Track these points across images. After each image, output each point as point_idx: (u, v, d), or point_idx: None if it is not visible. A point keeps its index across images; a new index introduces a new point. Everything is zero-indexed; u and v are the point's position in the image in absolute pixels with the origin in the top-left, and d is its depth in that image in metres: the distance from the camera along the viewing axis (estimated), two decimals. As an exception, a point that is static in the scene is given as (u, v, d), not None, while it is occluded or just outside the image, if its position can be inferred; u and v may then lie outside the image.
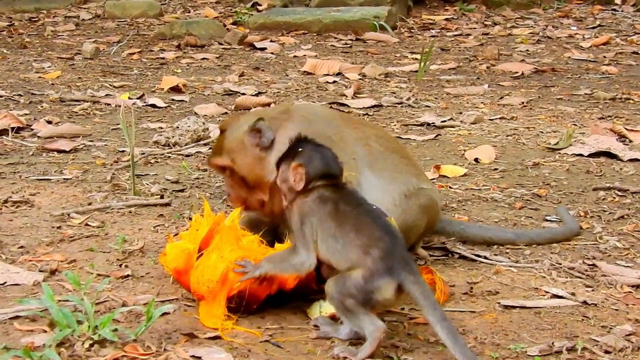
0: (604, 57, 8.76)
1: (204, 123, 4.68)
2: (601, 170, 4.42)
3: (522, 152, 4.82)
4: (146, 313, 2.25)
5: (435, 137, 5.12)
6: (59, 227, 3.18)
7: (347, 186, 2.58)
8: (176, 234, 3.15)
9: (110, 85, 6.39)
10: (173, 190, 3.75)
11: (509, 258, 3.12)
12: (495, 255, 3.13)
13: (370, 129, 3.19)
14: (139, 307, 2.40)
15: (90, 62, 7.52)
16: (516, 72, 7.71)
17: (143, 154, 4.33)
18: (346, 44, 9.12)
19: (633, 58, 8.76)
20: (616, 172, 4.42)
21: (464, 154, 4.69)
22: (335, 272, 2.42)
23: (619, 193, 4.02)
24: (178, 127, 4.62)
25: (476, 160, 4.56)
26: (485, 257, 3.09)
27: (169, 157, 4.38)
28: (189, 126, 4.62)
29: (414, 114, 5.84)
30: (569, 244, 3.30)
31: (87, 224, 3.23)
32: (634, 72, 7.97)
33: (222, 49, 8.52)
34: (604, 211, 3.74)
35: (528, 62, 8.28)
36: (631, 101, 6.54)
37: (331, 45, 9.00)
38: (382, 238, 2.40)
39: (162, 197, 3.62)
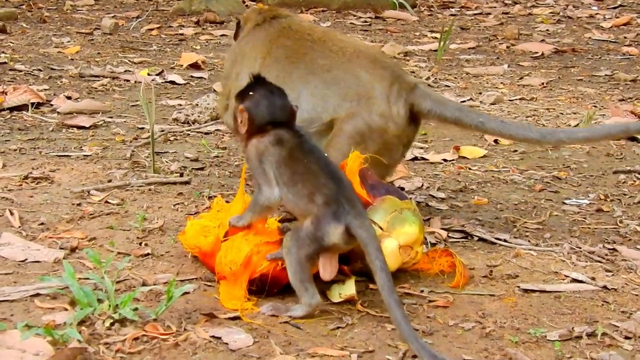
0: (625, 37, 8.69)
1: (223, 101, 4.65)
2: (621, 153, 4.38)
3: (542, 133, 4.78)
4: (166, 293, 2.24)
5: (455, 117, 5.08)
6: (78, 204, 3.18)
7: (301, 131, 2.59)
8: (196, 213, 3.15)
9: (130, 61, 6.38)
10: (193, 169, 3.74)
11: (529, 241, 3.10)
12: (515, 238, 3.11)
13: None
14: (159, 286, 2.39)
15: (110, 37, 7.50)
16: (536, 52, 7.65)
17: (162, 131, 4.32)
18: (365, 21, 9.07)
19: (655, 39, 8.68)
20: (637, 155, 4.38)
21: (483, 135, 4.65)
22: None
23: (640, 176, 3.99)
24: (197, 105, 4.61)
25: (495, 141, 4.53)
26: (505, 240, 3.07)
27: (189, 134, 4.37)
28: (208, 104, 4.60)
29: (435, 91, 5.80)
30: (589, 228, 3.28)
31: (107, 202, 3.23)
32: (656, 53, 7.90)
33: (241, 25, 8.49)
34: (624, 194, 3.71)
35: (548, 42, 8.22)
36: (653, 83, 6.49)
37: (350, 23, 8.95)
38: (327, 184, 2.44)
39: (181, 175, 3.61)
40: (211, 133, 4.43)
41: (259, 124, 2.58)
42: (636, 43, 8.45)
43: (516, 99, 5.70)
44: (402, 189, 3.61)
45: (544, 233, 3.19)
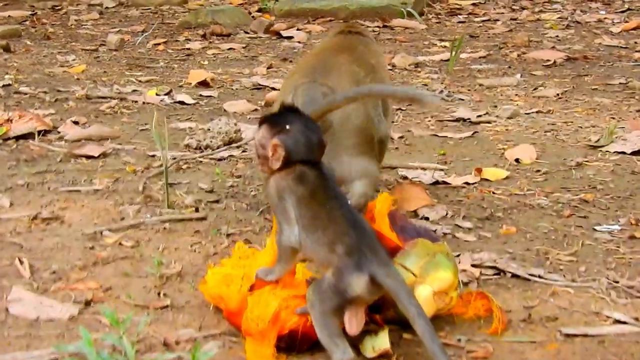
0: (635, 43, 8.52)
1: (235, 124, 4.50)
2: (645, 170, 4.22)
3: (563, 150, 4.61)
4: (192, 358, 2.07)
5: (473, 134, 4.92)
6: (91, 248, 3.02)
7: (325, 169, 2.43)
8: (215, 254, 2.99)
9: (137, 79, 6.21)
10: (208, 201, 3.58)
11: (564, 276, 2.93)
12: (549, 272, 2.94)
13: None
14: (182, 353, 2.22)
15: (115, 53, 7.34)
16: (548, 60, 7.48)
17: (174, 159, 4.15)
18: (374, 31, 8.90)
19: (666, 43, 8.51)
20: (661, 172, 4.22)
21: (503, 154, 4.49)
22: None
23: (670, 198, 3.82)
24: (209, 130, 4.45)
25: (517, 160, 4.37)
26: (540, 276, 2.90)
27: (201, 161, 4.21)
28: (220, 128, 4.44)
29: (448, 109, 5.64)
30: (624, 258, 3.11)
31: (120, 243, 3.06)
32: (669, 58, 7.73)
33: (248, 38, 8.33)
34: (656, 219, 3.54)
35: (559, 49, 8.05)
36: (669, 91, 6.32)
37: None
38: (348, 233, 2.28)
39: (197, 210, 3.44)
40: (225, 159, 4.27)
41: (294, 160, 2.41)
42: (648, 48, 8.28)
43: (533, 112, 5.53)
44: (427, 219, 3.45)
45: (578, 266, 3.02)
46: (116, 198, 3.57)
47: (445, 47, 8.14)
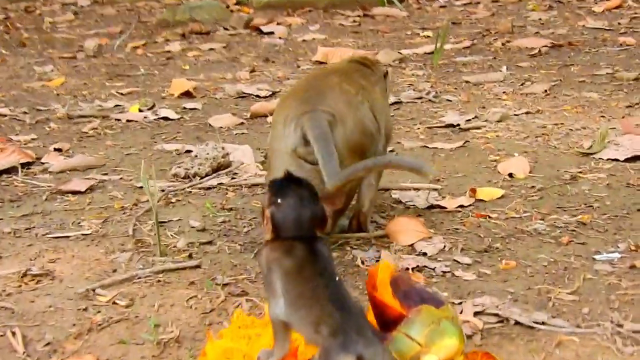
0: (619, 24, 8.48)
1: (222, 148, 4.42)
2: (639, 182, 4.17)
3: (556, 159, 4.56)
4: None
5: (464, 144, 4.86)
6: (84, 309, 2.94)
7: (319, 244, 2.37)
8: (212, 310, 2.93)
9: (118, 92, 6.11)
10: (200, 243, 3.51)
11: (567, 320, 2.88)
12: (553, 317, 2.89)
13: None
14: None
15: (94, 61, 7.23)
16: (533, 49, 7.42)
17: (163, 191, 4.08)
18: (354, 21, 8.82)
19: (648, 23, 8.46)
20: (657, 183, 4.17)
21: (496, 167, 4.44)
22: None
23: (668, 215, 3.77)
24: (197, 156, 4.37)
25: (510, 175, 4.31)
26: (544, 322, 2.85)
27: (190, 192, 4.13)
28: (207, 153, 4.36)
29: (435, 112, 5.58)
30: (627, 294, 3.06)
31: (114, 302, 2.99)
32: (653, 41, 7.69)
33: (228, 35, 8.23)
34: (656, 242, 3.50)
35: (543, 35, 8.00)
36: (656, 80, 6.28)
37: (339, 24, 8.71)
38: (332, 314, 2.22)
39: (190, 256, 3.37)
40: (214, 188, 4.19)
41: (282, 232, 2.37)
42: (631, 30, 8.23)
43: (522, 114, 5.47)
44: (425, 254, 3.40)
45: (581, 306, 2.97)
46: (106, 245, 3.49)
47: (428, 37, 8.08)
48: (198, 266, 3.28)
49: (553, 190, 4.10)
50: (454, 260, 3.35)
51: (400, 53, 7.30)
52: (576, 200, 3.97)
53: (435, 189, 4.14)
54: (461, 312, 2.87)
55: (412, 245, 3.47)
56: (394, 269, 2.48)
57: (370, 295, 2.49)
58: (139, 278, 3.17)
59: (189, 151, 4.70)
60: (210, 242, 3.53)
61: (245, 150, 4.58)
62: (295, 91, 3.43)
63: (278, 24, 8.52)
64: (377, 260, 3.33)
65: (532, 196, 4.03)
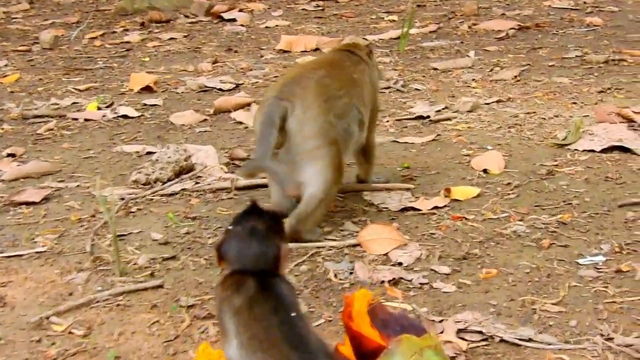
0: (585, 3, 8.32)
1: (185, 150, 4.17)
2: (620, 176, 3.98)
3: (530, 151, 4.37)
4: None
5: (435, 137, 4.65)
6: (38, 341, 2.71)
7: (277, 283, 2.15)
8: (176, 337, 2.70)
9: (75, 89, 5.83)
10: (163, 259, 3.28)
11: (555, 336, 2.69)
12: (539, 333, 2.70)
13: None
14: None
15: (50, 54, 6.94)
16: (500, 32, 7.24)
17: (122, 199, 3.84)
18: (318, 6, 8.58)
19: (614, 2, 8.31)
20: (636, 175, 3.99)
21: (469, 162, 4.24)
22: None
23: (649, 210, 3.59)
24: (157, 160, 4.12)
25: (485, 171, 4.11)
26: (530, 339, 2.66)
27: (152, 200, 3.89)
28: (169, 157, 4.12)
29: (404, 103, 5.37)
30: (615, 302, 2.88)
31: (70, 332, 2.76)
32: (619, 21, 7.55)
33: (189, 23, 7.95)
34: (639, 242, 3.31)
35: (509, 17, 7.81)
36: (625, 63, 6.14)
37: (302, 9, 8.46)
38: (289, 356, 2.01)
39: (152, 274, 3.14)
40: (177, 194, 3.95)
41: (227, 265, 2.18)
42: (597, 9, 8.08)
43: (493, 102, 5.28)
44: (400, 264, 3.19)
45: (568, 318, 2.78)
46: (62, 264, 3.25)
47: (393, 21, 7.86)
48: (160, 286, 3.05)
49: (530, 186, 3.91)
50: (432, 270, 3.14)
51: (366, 39, 7.07)
52: (554, 197, 3.78)
53: (409, 189, 3.94)
54: (442, 332, 2.67)
55: (386, 254, 3.26)
56: (371, 297, 2.27)
57: (347, 325, 2.28)
58: (97, 302, 2.94)
59: (150, 153, 4.46)
60: (173, 257, 3.30)
61: (209, 151, 4.34)
62: (278, 80, 3.67)
63: (240, 10, 8.25)
64: (351, 273, 3.12)
65: (509, 194, 3.84)
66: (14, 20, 8.30)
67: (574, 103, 5.23)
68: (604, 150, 4.33)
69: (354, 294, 2.28)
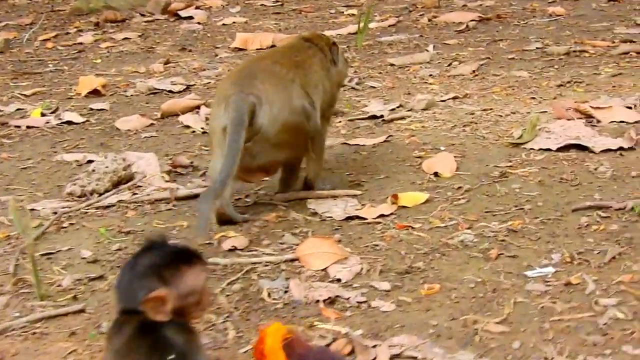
0: (548, -9, 8.11)
1: (124, 159, 3.96)
2: (576, 177, 3.80)
3: (484, 151, 4.19)
4: None
5: (387, 138, 4.45)
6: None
7: (161, 327, 1.95)
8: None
9: (21, 94, 5.60)
10: (90, 279, 3.07)
11: None
12: (480, 358, 2.51)
13: None
14: None
15: (0, 57, 6.68)
16: (460, 24, 7.04)
17: (55, 213, 3.63)
18: (277, 1, 8.36)
19: (576, -10, 8.11)
20: (592, 176, 3.81)
21: (420, 165, 4.04)
22: None
23: (602, 214, 3.41)
24: (94, 171, 3.91)
25: (436, 174, 3.92)
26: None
27: (86, 213, 3.68)
28: (106, 167, 3.91)
29: (359, 101, 5.18)
30: (562, 320, 2.69)
31: (-20, 366, 2.55)
32: (582, 10, 7.37)
33: (145, 22, 7.72)
34: (591, 250, 3.13)
35: (471, 8, 7.63)
36: (586, 54, 5.95)
37: (261, 5, 8.24)
38: None
39: (75, 297, 2.93)
40: (113, 207, 3.74)
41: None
42: (560, -2, 7.88)
43: (449, 99, 5.09)
44: (339, 280, 2.99)
45: (511, 340, 2.59)
46: (-17, 287, 3.04)
47: (352, 15, 7.66)
48: (82, 310, 2.85)
49: (481, 190, 3.73)
50: (371, 286, 2.95)
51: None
52: (506, 201, 3.60)
53: (355, 195, 3.74)
54: (375, 359, 2.47)
55: (325, 269, 3.07)
56: (286, 331, 2.07)
57: (258, 364, 2.09)
58: (13, 330, 2.74)
59: (91, 161, 4.24)
60: (100, 277, 3.10)
61: (150, 159, 4.13)
62: (232, 73, 3.67)
63: (197, 7, 8.01)
64: (286, 292, 2.93)
65: (459, 199, 3.65)
66: (-34, 22, 8.06)
67: (533, 98, 5.05)
68: (560, 149, 4.16)
69: (266, 328, 2.09)
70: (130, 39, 7.09)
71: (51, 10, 8.30)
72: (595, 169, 3.89)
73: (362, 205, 3.64)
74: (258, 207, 3.69)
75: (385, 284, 2.94)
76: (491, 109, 4.88)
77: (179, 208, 3.70)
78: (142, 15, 7.87)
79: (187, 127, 4.79)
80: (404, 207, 3.59)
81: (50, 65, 6.37)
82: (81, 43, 7.02)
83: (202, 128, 4.72)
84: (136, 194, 3.82)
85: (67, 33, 7.39)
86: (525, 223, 3.37)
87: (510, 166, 3.98)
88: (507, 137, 4.37)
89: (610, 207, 3.47)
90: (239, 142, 3.23)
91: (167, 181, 3.96)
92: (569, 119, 4.50)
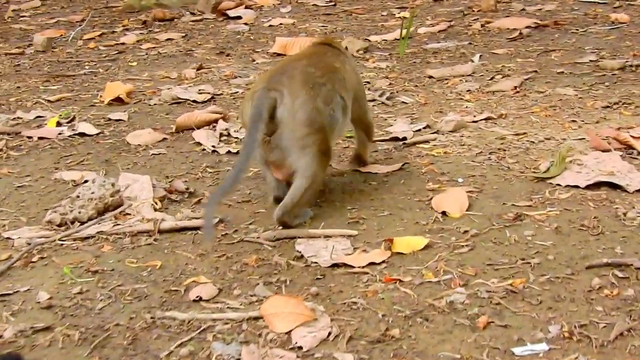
0: (613, -4, 7.52)
1: (113, 185, 3.62)
2: (599, 223, 3.30)
3: (505, 186, 3.72)
4: None
5: (403, 166, 4.01)
6: None
7: None
8: None
9: (46, 100, 5.32)
10: (34, 331, 2.73)
11: None
12: None
13: None
14: None
15: (41, 57, 6.46)
16: (514, 30, 6.52)
17: (28, 244, 3.30)
18: (330, 0, 7.92)
19: (648, -6, 7.48)
20: (618, 223, 3.31)
21: (431, 200, 3.60)
22: None
23: (619, 274, 2.92)
24: (78, 197, 3.58)
25: (444, 213, 3.47)
26: None
27: (62, 245, 3.35)
28: (92, 193, 3.57)
29: (385, 120, 4.74)
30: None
31: None
32: (648, 18, 6.74)
33: (192, 22, 7.40)
34: (597, 323, 2.65)
35: (529, 12, 7.08)
36: (643, 70, 5.36)
37: (313, 5, 7.81)
38: None
39: (9, 354, 2.59)
40: (92, 238, 3.40)
41: None
42: (627, 3, 7.26)
43: (481, 120, 4.61)
44: (300, 348, 2.59)
45: None
46: None
47: (404, 18, 7.18)
48: (10, 373, 2.50)
49: (489, 236, 3.26)
50: (334, 358, 2.53)
51: (369, 40, 6.43)
52: (513, 252, 3.13)
53: (351, 235, 3.32)
54: None
55: (289, 332, 2.66)
56: None
57: None
58: None
59: (87, 181, 3.91)
60: (47, 329, 2.76)
61: (145, 182, 3.78)
62: (268, 71, 3.65)
63: (247, 7, 7.64)
64: (238, 359, 2.53)
65: (462, 246, 3.19)
66: (21, 19, 7.83)
67: (573, 121, 4.54)
68: (589, 187, 3.66)
69: None
70: (174, 39, 6.77)
71: (105, 6, 8.03)
72: (624, 214, 3.38)
73: (355, 248, 3.22)
74: (243, 245, 3.31)
75: (349, 357, 2.52)
76: (524, 133, 4.39)
77: (159, 243, 3.34)
78: (192, 13, 7.54)
79: (198, 144, 4.42)
80: (399, 253, 3.16)
81: (87, 67, 6.09)
82: (123, 43, 6.72)
83: (213, 146, 4.35)
84: (118, 224, 3.47)
85: (113, 32, 7.10)
86: (528, 282, 2.91)
87: (530, 206, 3.51)
88: (534, 169, 3.89)
89: (631, 265, 2.98)
90: (254, 137, 3.18)
91: (157, 209, 3.60)
92: (605, 150, 3.99)
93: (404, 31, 5.93)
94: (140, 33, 6.99)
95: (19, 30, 7.33)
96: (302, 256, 3.18)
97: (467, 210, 3.50)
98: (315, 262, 3.13)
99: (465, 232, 3.30)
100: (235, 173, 3.15)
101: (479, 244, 3.21)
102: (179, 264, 3.15)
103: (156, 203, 3.67)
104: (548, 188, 3.68)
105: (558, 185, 3.71)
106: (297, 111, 3.28)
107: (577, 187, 3.66)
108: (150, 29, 7.12)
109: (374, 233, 3.35)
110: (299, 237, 3.32)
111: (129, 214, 3.58)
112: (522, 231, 3.28)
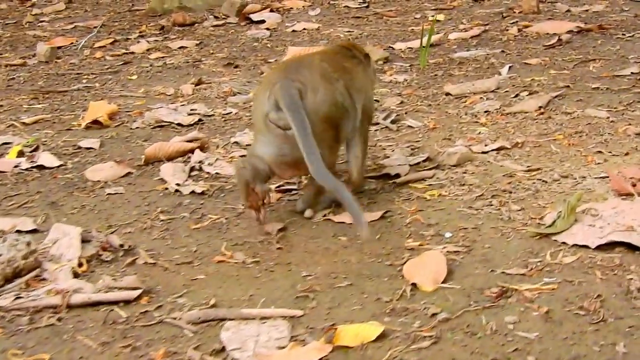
0: (674, -7, 6.54)
1: (28, 244, 2.96)
2: (603, 304, 2.51)
3: (499, 244, 2.95)
4: None
5: (385, 213, 3.26)
6: None
7: None
8: None
9: (22, 123, 4.71)
10: None
11: None
12: None
13: None
14: None
15: (42, 68, 5.87)
16: (554, 36, 5.66)
17: None
18: (363, 2, 7.15)
19: None
20: (627, 304, 2.51)
21: (403, 265, 2.84)
22: None
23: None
24: (-11, 259, 2.93)
25: (414, 285, 2.72)
26: None
27: (-50, 324, 2.70)
28: (0, 255, 2.91)
29: (383, 149, 3.99)
30: None
31: None
32: None
33: (212, 27, 6.71)
34: None
35: (574, 14, 6.19)
36: (693, 86, 4.47)
37: (345, 7, 7.04)
38: None
39: None
40: (-12, 313, 2.75)
41: None
42: (686, 2, 6.28)
43: (492, 151, 3.82)
44: None
45: None
46: None
47: (438, 21, 6.37)
48: None
49: (461, 323, 2.50)
50: None
51: (392, 48, 5.65)
52: (486, 349, 2.36)
53: (293, 317, 2.59)
54: None
55: None
56: None
57: None
58: None
59: (19, 232, 3.28)
60: None
61: (73, 237, 3.11)
62: (279, 65, 3.63)
63: (275, 10, 6.92)
64: None
65: (424, 338, 2.43)
66: (39, 24, 7.27)
67: (599, 152, 3.72)
68: (601, 246, 2.85)
69: None
70: (186, 47, 6.10)
71: (128, 10, 7.41)
72: (638, 290, 2.57)
73: (293, 337, 2.49)
74: (160, 329, 2.61)
75: None
76: (539, 169, 3.58)
77: (63, 324, 2.66)
78: (216, 17, 6.86)
79: (163, 181, 3.74)
80: (342, 347, 2.42)
81: (84, 81, 5.47)
82: (132, 52, 6.08)
83: (177, 184, 3.67)
84: (21, 297, 2.80)
85: (127, 39, 6.47)
86: (495, 399, 2.13)
87: (523, 275, 2.73)
88: (540, 220, 3.09)
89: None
90: (304, 122, 3.02)
91: (78, 274, 2.93)
92: (627, 195, 3.17)
93: (425, 39, 5.12)
94: (155, 40, 6.34)
95: (31, 38, 6.76)
96: (222, 349, 2.47)
97: (443, 282, 2.73)
98: (236, 359, 2.41)
99: (433, 315, 2.54)
100: (319, 166, 2.99)
101: (445, 335, 2.44)
102: (72, 358, 2.47)
103: (81, 265, 2.99)
104: (551, 248, 2.89)
105: (564, 243, 2.92)
106: (320, 107, 3.14)
107: (585, 247, 2.87)
108: (166, 36, 6.46)
109: (322, 314, 2.61)
110: (229, 319, 2.60)
111: (45, 279, 2.92)
112: (503, 316, 2.51)
